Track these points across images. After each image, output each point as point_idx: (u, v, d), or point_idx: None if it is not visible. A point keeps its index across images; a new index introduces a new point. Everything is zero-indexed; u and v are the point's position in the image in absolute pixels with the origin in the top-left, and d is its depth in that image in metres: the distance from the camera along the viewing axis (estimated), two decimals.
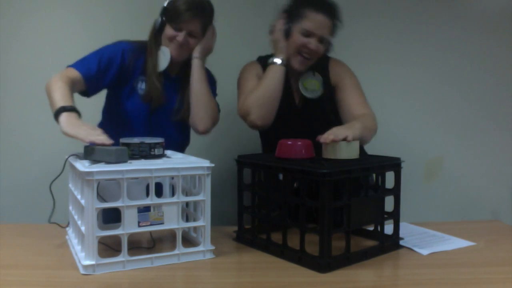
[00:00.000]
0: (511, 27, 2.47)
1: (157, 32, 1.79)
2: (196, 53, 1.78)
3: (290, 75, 1.83)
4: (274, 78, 1.74)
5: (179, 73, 1.84)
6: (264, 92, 1.74)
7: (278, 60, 1.75)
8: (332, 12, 1.74)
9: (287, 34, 1.75)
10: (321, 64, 1.84)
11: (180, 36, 1.73)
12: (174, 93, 1.84)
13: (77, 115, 1.47)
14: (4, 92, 2.30)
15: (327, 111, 1.84)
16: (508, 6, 2.47)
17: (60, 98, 1.49)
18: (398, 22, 2.45)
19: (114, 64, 1.75)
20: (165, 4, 1.76)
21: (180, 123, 1.84)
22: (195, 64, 1.78)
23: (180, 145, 1.88)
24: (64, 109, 1.45)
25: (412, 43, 2.46)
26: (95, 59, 1.71)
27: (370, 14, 2.42)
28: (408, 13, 2.44)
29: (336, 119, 1.83)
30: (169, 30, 1.75)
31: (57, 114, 1.45)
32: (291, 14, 1.75)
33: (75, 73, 1.66)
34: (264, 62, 1.83)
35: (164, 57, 1.77)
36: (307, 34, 1.72)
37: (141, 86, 1.79)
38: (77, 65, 1.69)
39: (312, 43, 1.72)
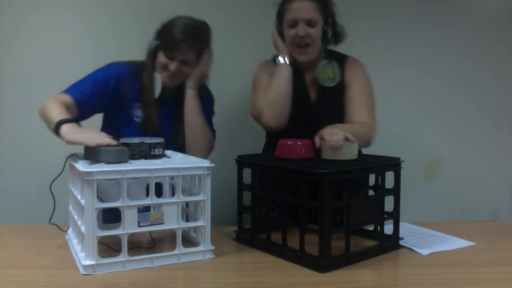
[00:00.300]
0: (510, 27, 2.47)
1: (152, 56, 1.74)
2: (190, 83, 1.75)
3: (305, 71, 1.84)
4: (281, 77, 1.75)
5: (174, 96, 1.80)
6: (273, 93, 1.75)
7: (281, 60, 1.77)
8: None
9: (281, 34, 1.79)
10: (337, 61, 1.83)
11: (173, 66, 1.68)
12: (169, 118, 1.80)
13: (77, 125, 1.47)
14: (4, 92, 2.30)
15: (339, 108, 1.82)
16: (508, 6, 2.47)
17: (57, 115, 1.48)
18: (398, 22, 2.44)
19: (107, 90, 1.71)
20: (160, 27, 1.71)
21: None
22: (189, 95, 1.75)
23: None
24: (63, 121, 1.44)
25: (412, 43, 2.46)
26: (88, 85, 1.67)
27: (370, 15, 2.42)
28: (408, 13, 2.44)
29: (333, 119, 1.80)
30: (162, 58, 1.70)
31: (57, 127, 1.44)
32: (279, 15, 1.80)
33: (67, 99, 1.62)
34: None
35: (156, 85, 1.72)
36: (293, 23, 1.74)
37: (137, 114, 1.75)
38: (69, 91, 1.65)
39: (300, 29, 1.73)
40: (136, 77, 1.75)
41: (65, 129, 1.43)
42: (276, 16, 1.82)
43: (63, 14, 2.30)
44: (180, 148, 1.79)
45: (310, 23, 1.74)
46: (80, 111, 1.65)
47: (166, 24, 1.72)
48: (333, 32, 1.82)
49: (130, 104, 1.75)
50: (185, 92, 1.75)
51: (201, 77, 1.77)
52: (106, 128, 1.84)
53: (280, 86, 1.75)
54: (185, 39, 1.66)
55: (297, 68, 1.82)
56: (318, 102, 1.84)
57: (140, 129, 1.75)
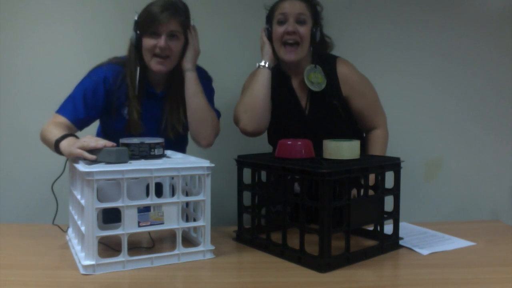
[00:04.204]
0: (506, 32, 2.47)
1: (135, 48, 1.70)
2: (187, 65, 1.71)
3: (292, 77, 1.83)
4: (258, 81, 1.75)
5: (165, 87, 1.77)
6: (249, 98, 1.75)
7: (262, 63, 1.76)
8: None
9: (270, 34, 1.77)
10: (327, 62, 1.82)
11: (161, 41, 1.64)
12: (158, 112, 1.77)
13: (74, 138, 1.50)
14: (5, 93, 2.30)
15: (337, 108, 1.81)
16: (505, 12, 2.47)
17: (54, 135, 1.51)
18: (398, 26, 2.44)
19: (98, 96, 1.70)
20: (136, 17, 1.68)
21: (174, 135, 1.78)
22: (189, 77, 1.71)
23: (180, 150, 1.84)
24: (61, 139, 1.48)
25: (412, 46, 2.45)
26: (79, 100, 1.67)
27: (370, 21, 2.42)
28: (408, 18, 2.44)
29: (346, 116, 1.82)
30: (147, 41, 1.66)
31: (56, 147, 1.48)
32: (269, 16, 1.79)
33: (64, 120, 1.65)
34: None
35: (137, 81, 1.70)
36: (282, 20, 1.74)
37: (125, 111, 1.73)
38: (64, 111, 1.67)
39: (289, 26, 1.72)
40: (121, 76, 1.73)
41: (63, 145, 1.46)
42: (266, 19, 1.81)
43: (64, 17, 2.30)
44: (178, 133, 1.77)
45: (299, 21, 1.73)
46: (78, 127, 1.69)
47: (142, 10, 1.69)
48: (320, 40, 1.81)
49: (120, 102, 1.74)
50: (185, 76, 1.72)
51: (194, 55, 1.74)
52: (102, 125, 1.85)
53: (256, 90, 1.74)
54: (165, 10, 1.64)
55: (283, 75, 1.82)
56: (310, 106, 1.83)
57: (126, 129, 1.73)
